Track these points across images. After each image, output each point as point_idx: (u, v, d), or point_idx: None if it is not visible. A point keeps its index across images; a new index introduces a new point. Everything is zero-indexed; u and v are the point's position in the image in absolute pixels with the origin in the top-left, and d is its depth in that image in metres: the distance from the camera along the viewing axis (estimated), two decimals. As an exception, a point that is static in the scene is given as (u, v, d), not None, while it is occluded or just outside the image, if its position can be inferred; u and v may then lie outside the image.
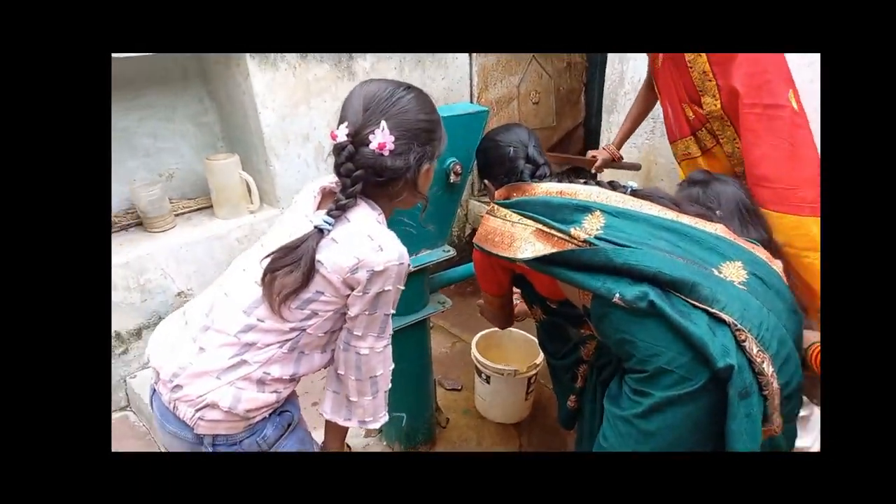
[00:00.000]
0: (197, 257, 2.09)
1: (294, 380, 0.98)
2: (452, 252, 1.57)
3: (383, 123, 0.86)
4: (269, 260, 0.89)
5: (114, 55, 1.74)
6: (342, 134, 0.88)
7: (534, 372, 1.87)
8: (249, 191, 2.18)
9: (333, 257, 0.88)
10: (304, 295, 0.89)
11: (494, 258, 1.21)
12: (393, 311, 0.96)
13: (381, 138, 0.86)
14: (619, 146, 2.05)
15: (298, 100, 2.24)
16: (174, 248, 2.03)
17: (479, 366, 1.90)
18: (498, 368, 1.84)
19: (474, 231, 3.15)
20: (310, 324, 0.92)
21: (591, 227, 1.07)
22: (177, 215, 2.19)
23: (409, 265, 0.94)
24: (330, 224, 0.89)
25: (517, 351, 2.02)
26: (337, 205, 0.90)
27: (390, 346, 1.00)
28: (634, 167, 2.19)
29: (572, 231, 1.06)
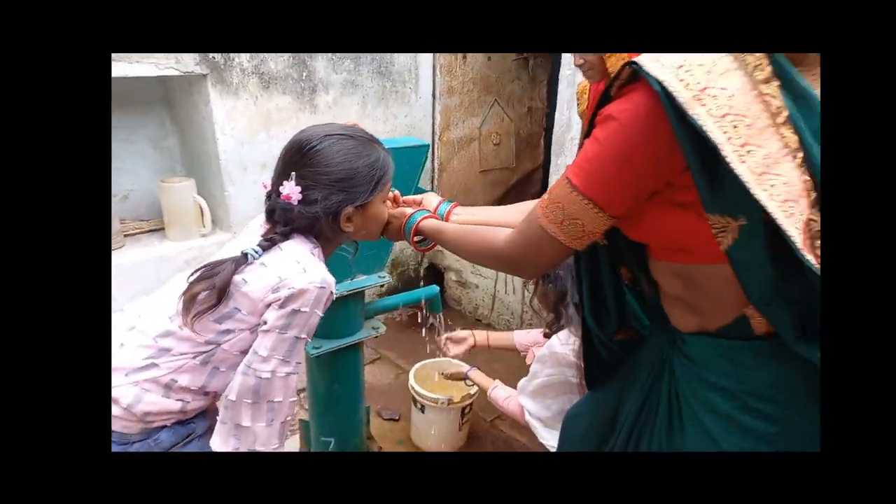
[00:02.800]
0: (144, 277, 2.10)
1: (205, 393, 1.00)
2: (388, 279, 1.62)
3: (292, 175, 0.94)
4: (191, 276, 0.93)
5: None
6: (268, 184, 0.99)
7: (469, 402, 1.89)
8: (202, 214, 2.22)
9: (259, 276, 0.92)
10: (222, 310, 0.93)
11: (678, 151, 0.62)
12: (306, 338, 0.96)
13: (287, 190, 0.94)
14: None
15: (258, 128, 2.31)
16: (121, 267, 2.04)
17: (414, 395, 1.92)
18: (433, 398, 1.86)
19: (431, 266, 3.22)
20: (225, 339, 0.95)
21: None
22: (127, 235, 2.21)
23: (332, 293, 0.96)
24: (257, 253, 0.94)
25: (454, 384, 2.05)
26: (266, 239, 0.96)
27: (295, 377, 0.98)
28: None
29: None
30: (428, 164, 3.06)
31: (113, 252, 2.10)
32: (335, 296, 1.28)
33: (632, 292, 0.92)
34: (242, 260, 0.93)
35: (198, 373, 0.96)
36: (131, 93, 2.20)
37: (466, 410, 1.92)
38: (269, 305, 0.92)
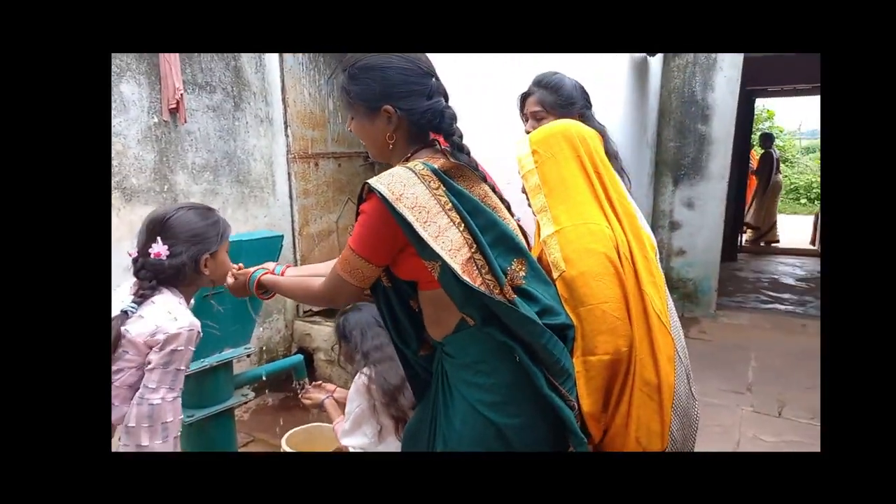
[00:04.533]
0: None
1: None
2: (252, 349, 1.89)
3: (158, 239, 1.28)
4: None
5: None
6: (134, 252, 1.31)
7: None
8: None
9: (139, 326, 1.21)
10: (112, 354, 1.20)
11: (399, 227, 1.04)
12: (184, 370, 1.25)
13: (157, 248, 1.27)
14: None
15: (122, 237, 2.50)
16: None
17: (289, 457, 2.12)
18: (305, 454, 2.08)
19: (301, 349, 3.44)
20: (116, 377, 1.21)
21: (515, 275, 1.13)
22: None
23: (198, 332, 1.26)
24: (134, 308, 1.24)
25: (327, 444, 2.28)
26: (137, 294, 1.26)
27: (179, 401, 1.27)
28: None
29: (505, 284, 1.08)
30: (290, 255, 3.38)
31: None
32: (206, 366, 1.58)
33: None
34: (124, 316, 1.22)
35: None
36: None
37: (336, 465, 2.15)
38: (151, 348, 1.21)
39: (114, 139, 2.48)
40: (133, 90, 2.55)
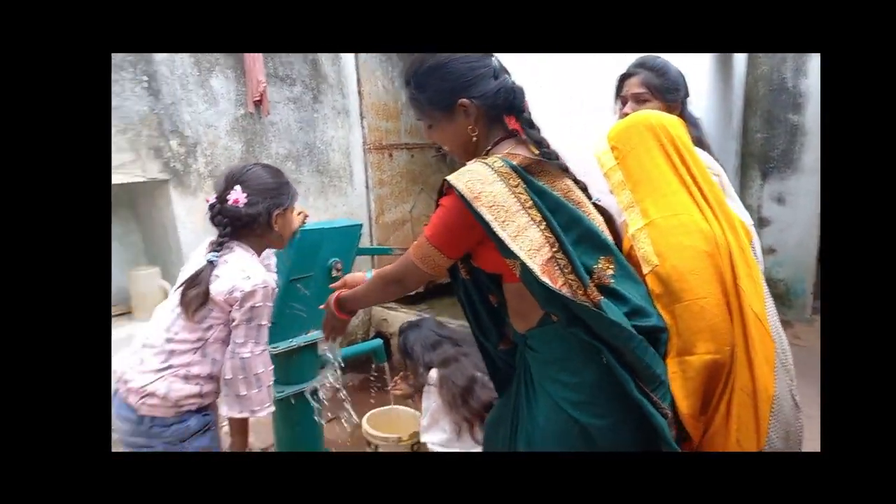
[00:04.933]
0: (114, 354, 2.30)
1: (211, 377, 1.34)
2: (337, 331, 1.95)
3: (237, 187, 1.34)
4: (182, 285, 1.32)
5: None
6: (212, 198, 1.37)
7: (416, 439, 2.17)
8: (167, 296, 2.48)
9: (217, 285, 1.30)
10: (202, 312, 1.30)
11: (477, 224, 1.02)
12: (266, 323, 1.33)
13: (236, 195, 1.33)
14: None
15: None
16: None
17: (368, 437, 2.18)
18: (383, 437, 2.13)
19: (379, 334, 3.53)
20: (209, 335, 1.31)
21: (602, 273, 1.08)
22: (95, 324, 2.43)
23: (273, 288, 1.34)
24: (215, 257, 1.31)
25: (405, 426, 2.32)
26: (215, 243, 1.34)
27: (267, 353, 1.36)
28: None
29: (590, 285, 1.03)
30: (367, 244, 3.46)
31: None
32: (293, 346, 1.64)
33: (501, 312, 1.31)
34: (210, 266, 1.30)
35: (201, 363, 1.32)
36: (99, 199, 2.51)
37: (415, 447, 2.19)
38: (231, 305, 1.29)
39: (205, 130, 2.63)
40: (222, 84, 2.68)
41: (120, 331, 2.39)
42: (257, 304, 1.30)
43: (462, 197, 1.01)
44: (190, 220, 2.56)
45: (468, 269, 1.20)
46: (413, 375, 2.05)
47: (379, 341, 2.12)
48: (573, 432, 1.09)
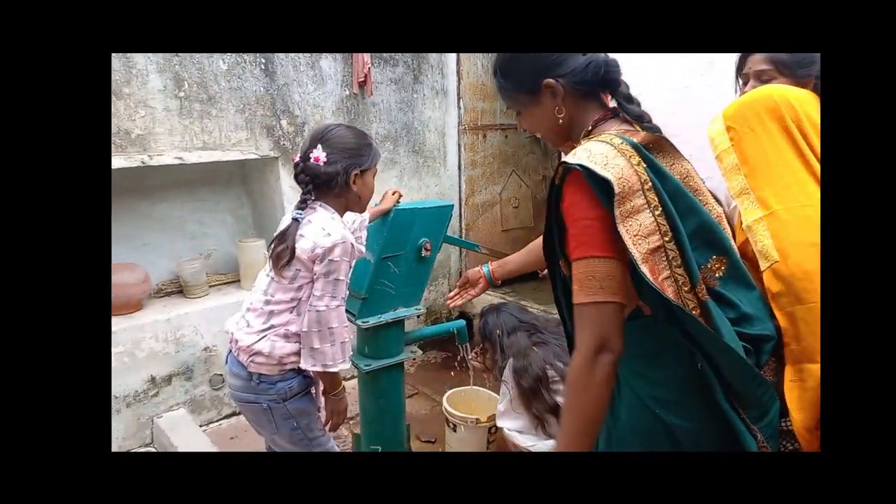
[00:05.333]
0: (223, 318, 2.55)
1: None
2: (423, 309, 2.02)
3: (319, 146, 1.41)
4: (272, 243, 1.43)
5: (186, 161, 2.35)
6: (297, 157, 1.45)
7: (494, 423, 2.22)
8: (271, 268, 2.70)
9: (301, 244, 1.38)
10: (291, 272, 1.39)
11: (602, 207, 0.90)
12: (344, 279, 1.40)
13: (316, 154, 1.40)
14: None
15: (316, 198, 2.83)
16: (206, 311, 2.51)
17: (448, 416, 2.26)
18: (463, 416, 2.20)
19: (462, 314, 3.60)
20: (300, 294, 1.42)
21: (710, 274, 0.98)
22: (211, 286, 2.69)
23: (352, 245, 1.40)
24: (300, 214, 1.41)
25: (482, 406, 2.38)
26: (299, 202, 1.43)
27: (343, 309, 1.43)
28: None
29: (699, 283, 0.93)
30: (456, 224, 3.52)
31: (200, 299, 2.58)
32: (381, 321, 1.71)
33: None
34: (296, 224, 1.40)
35: (297, 321, 1.43)
36: (218, 173, 2.76)
37: (493, 430, 2.23)
38: (314, 262, 1.37)
39: (313, 110, 2.78)
40: (330, 65, 2.82)
41: (230, 297, 2.64)
42: (335, 258, 1.36)
43: (585, 169, 0.89)
44: (296, 196, 2.73)
45: (568, 266, 1.04)
46: (491, 358, 2.09)
47: (462, 322, 2.17)
48: (658, 432, 1.02)
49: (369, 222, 1.78)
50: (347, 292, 1.46)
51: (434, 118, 3.31)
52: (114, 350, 2.28)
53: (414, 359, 2.01)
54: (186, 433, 2.30)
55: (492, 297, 3.41)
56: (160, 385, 2.40)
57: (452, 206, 2.03)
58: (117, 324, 2.31)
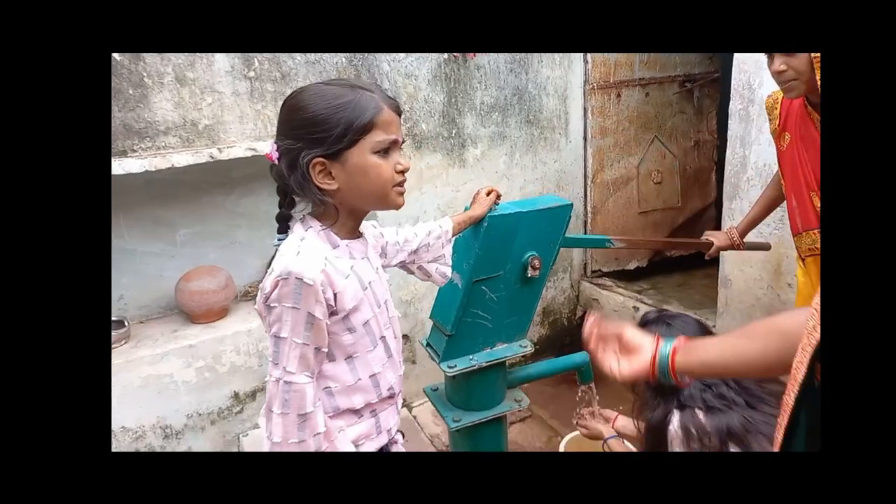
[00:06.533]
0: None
1: (351, 389, 1.00)
2: (529, 348, 1.53)
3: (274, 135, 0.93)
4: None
5: (260, 151, 2.05)
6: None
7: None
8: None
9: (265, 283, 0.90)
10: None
11: None
12: (287, 337, 0.85)
13: (269, 149, 0.91)
14: (744, 233, 1.86)
15: (411, 186, 2.40)
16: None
17: (565, 469, 1.76)
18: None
19: (585, 313, 3.03)
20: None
21: None
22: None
23: (301, 281, 0.83)
24: (277, 242, 0.94)
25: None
26: (278, 221, 0.95)
27: (289, 389, 0.85)
28: (763, 247, 1.96)
29: None
30: (580, 206, 2.91)
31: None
32: (474, 366, 1.28)
33: None
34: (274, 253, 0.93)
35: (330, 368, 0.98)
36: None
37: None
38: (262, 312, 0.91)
39: (405, 81, 2.34)
40: (423, 25, 2.33)
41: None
42: (272, 304, 0.86)
43: None
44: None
45: None
46: (639, 404, 1.42)
47: (586, 356, 1.63)
48: None
49: (455, 234, 1.31)
50: (316, 362, 0.89)
51: (553, 78, 2.69)
52: (195, 364, 2.12)
53: (519, 409, 1.53)
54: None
55: (624, 295, 2.78)
56: (244, 401, 2.20)
57: (571, 205, 1.48)
58: (198, 335, 2.13)
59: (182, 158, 1.92)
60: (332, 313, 0.89)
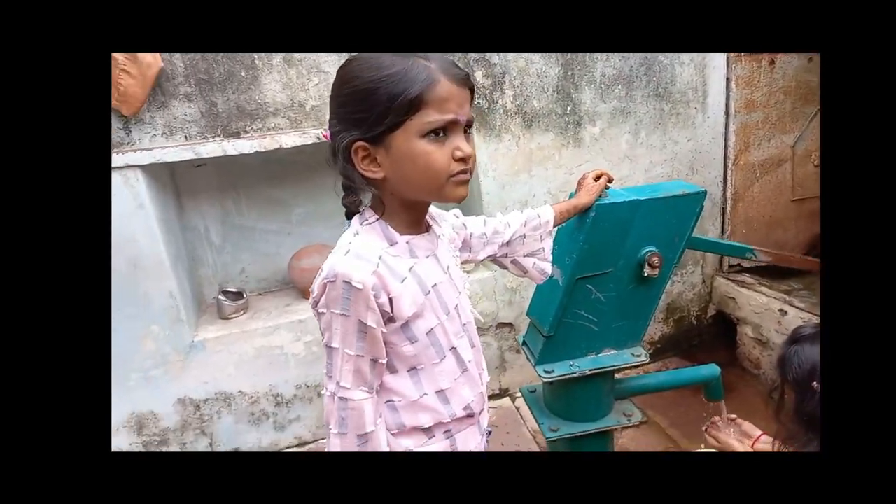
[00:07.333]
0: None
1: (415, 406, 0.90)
2: (644, 357, 1.31)
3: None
4: None
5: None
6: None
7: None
8: (463, 255, 2.25)
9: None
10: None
11: None
12: (339, 347, 0.76)
13: (325, 129, 0.81)
14: None
15: (519, 169, 2.24)
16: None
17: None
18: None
19: (719, 313, 2.66)
20: None
21: None
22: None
23: (346, 283, 0.73)
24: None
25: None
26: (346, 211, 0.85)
27: (349, 408, 0.76)
28: None
29: None
30: (718, 193, 2.54)
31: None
32: (575, 373, 1.16)
33: None
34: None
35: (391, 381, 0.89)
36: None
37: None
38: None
39: (515, 55, 2.16)
40: (539, -8, 2.13)
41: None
42: (321, 310, 0.77)
43: None
44: (493, 168, 2.20)
45: None
46: (784, 434, 1.12)
47: (715, 370, 1.38)
48: None
49: (556, 225, 1.14)
50: (375, 375, 0.80)
51: (690, 44, 2.35)
52: (304, 339, 2.18)
53: (630, 424, 1.33)
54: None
55: (768, 295, 2.37)
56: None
57: (704, 193, 1.24)
58: (307, 311, 2.18)
59: (290, 139, 1.95)
60: (389, 320, 0.78)
